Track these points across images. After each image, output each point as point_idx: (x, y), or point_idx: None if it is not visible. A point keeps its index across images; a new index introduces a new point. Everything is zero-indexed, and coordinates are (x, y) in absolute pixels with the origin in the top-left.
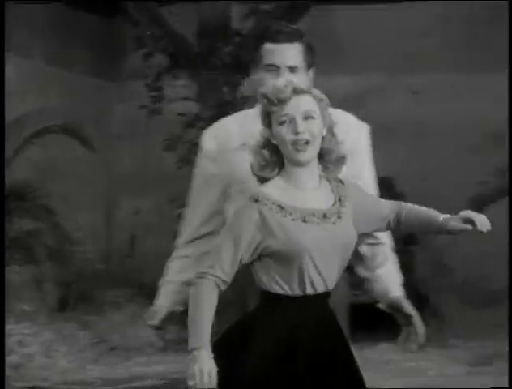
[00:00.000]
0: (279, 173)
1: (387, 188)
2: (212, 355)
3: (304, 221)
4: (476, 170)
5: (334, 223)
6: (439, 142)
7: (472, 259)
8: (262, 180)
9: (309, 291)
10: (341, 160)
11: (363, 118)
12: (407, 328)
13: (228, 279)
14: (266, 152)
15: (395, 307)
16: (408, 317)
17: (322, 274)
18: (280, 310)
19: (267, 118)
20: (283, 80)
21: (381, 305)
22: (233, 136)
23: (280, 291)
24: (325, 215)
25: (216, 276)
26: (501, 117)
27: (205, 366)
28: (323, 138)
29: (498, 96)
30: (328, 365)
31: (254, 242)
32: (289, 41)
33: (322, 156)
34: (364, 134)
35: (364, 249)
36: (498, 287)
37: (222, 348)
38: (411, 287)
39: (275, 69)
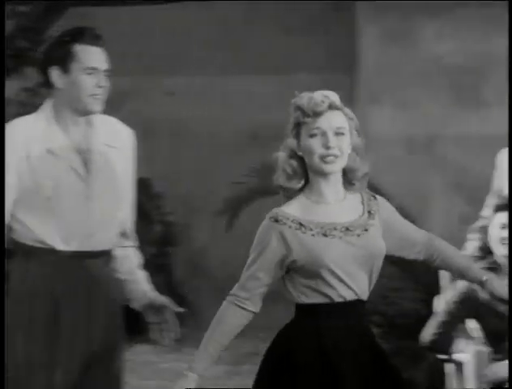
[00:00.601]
0: (304, 186)
1: (145, 189)
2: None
3: (325, 235)
4: (232, 171)
5: (358, 235)
6: (195, 142)
7: (229, 260)
8: (287, 192)
9: (338, 300)
10: (365, 176)
11: (121, 120)
12: (159, 326)
13: (250, 294)
14: (294, 162)
15: (152, 305)
16: (162, 314)
17: (349, 284)
18: (311, 320)
19: (296, 129)
20: (319, 94)
21: (136, 305)
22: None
23: (308, 301)
24: (348, 228)
25: (235, 295)
26: (257, 119)
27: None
28: (348, 156)
29: (252, 96)
30: (364, 371)
31: (276, 259)
32: (102, 45)
33: (345, 173)
34: (130, 138)
35: (118, 252)
36: None
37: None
38: (169, 288)
39: (93, 72)
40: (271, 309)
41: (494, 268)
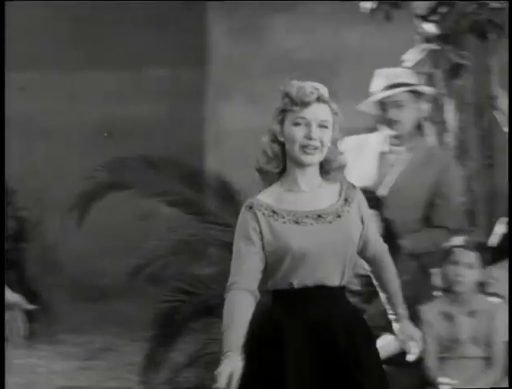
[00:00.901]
0: (280, 174)
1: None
2: (240, 358)
3: (296, 223)
4: (85, 166)
5: (330, 222)
6: (48, 138)
7: (82, 255)
8: (266, 175)
9: (303, 284)
10: (342, 168)
11: None
12: (8, 323)
13: (246, 279)
14: (275, 146)
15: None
16: (11, 311)
17: (319, 270)
18: (278, 306)
19: (281, 115)
20: (309, 85)
21: None
22: None
23: (280, 287)
24: (320, 216)
25: (233, 283)
26: (111, 113)
27: (226, 369)
28: (328, 148)
29: (106, 91)
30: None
31: (258, 244)
32: None
33: (322, 164)
34: None
35: None
36: (107, 282)
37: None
38: (22, 284)
39: None
40: (123, 307)
41: None
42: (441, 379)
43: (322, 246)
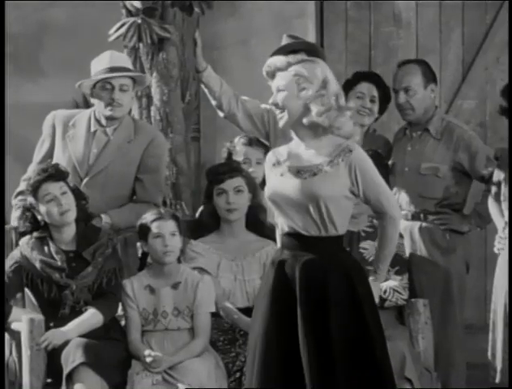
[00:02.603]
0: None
1: None
2: None
3: (281, 175)
4: None
5: (305, 178)
6: None
7: None
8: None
9: (284, 231)
10: (344, 132)
11: None
12: None
13: None
14: None
15: None
16: None
17: (295, 219)
18: (280, 246)
19: None
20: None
21: None
22: None
23: (279, 231)
24: (298, 171)
25: None
26: None
27: None
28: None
29: None
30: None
31: None
32: None
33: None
34: None
35: None
36: None
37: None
38: None
39: None
40: None
41: None
42: (145, 352)
43: (288, 198)
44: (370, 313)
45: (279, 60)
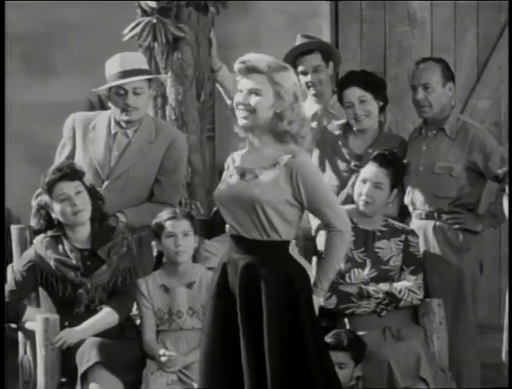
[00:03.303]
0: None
1: None
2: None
3: (230, 176)
4: None
5: (247, 180)
6: None
7: None
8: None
9: (234, 232)
10: (293, 136)
11: None
12: None
13: None
14: None
15: None
16: None
17: (239, 222)
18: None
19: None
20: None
21: None
22: None
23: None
24: (243, 173)
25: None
26: None
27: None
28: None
29: None
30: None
31: None
32: None
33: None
34: None
35: None
36: None
37: None
38: None
39: None
40: None
41: None
42: (160, 352)
43: (232, 200)
44: (307, 318)
45: (258, 60)
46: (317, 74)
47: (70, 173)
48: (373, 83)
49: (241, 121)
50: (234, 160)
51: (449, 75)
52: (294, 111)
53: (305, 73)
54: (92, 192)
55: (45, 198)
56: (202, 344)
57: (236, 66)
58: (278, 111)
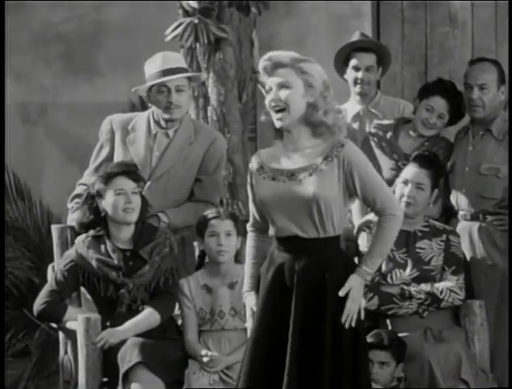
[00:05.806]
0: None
1: None
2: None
3: (273, 179)
4: None
5: (301, 180)
6: None
7: None
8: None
9: (281, 234)
10: (331, 128)
11: None
12: None
13: (256, 222)
14: None
15: None
16: None
17: (291, 221)
18: (272, 250)
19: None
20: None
21: None
22: None
23: (271, 233)
24: (293, 174)
25: (249, 226)
26: None
27: (247, 309)
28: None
29: None
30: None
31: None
32: None
33: (314, 125)
34: None
35: None
36: None
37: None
38: None
39: None
40: None
41: None
42: (202, 352)
43: (283, 201)
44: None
45: (281, 55)
46: (368, 73)
47: (134, 172)
48: (458, 110)
49: (277, 123)
50: (265, 162)
51: (503, 78)
52: (326, 99)
53: (357, 69)
54: (143, 199)
55: (100, 186)
56: (248, 344)
57: (261, 65)
58: (310, 101)
